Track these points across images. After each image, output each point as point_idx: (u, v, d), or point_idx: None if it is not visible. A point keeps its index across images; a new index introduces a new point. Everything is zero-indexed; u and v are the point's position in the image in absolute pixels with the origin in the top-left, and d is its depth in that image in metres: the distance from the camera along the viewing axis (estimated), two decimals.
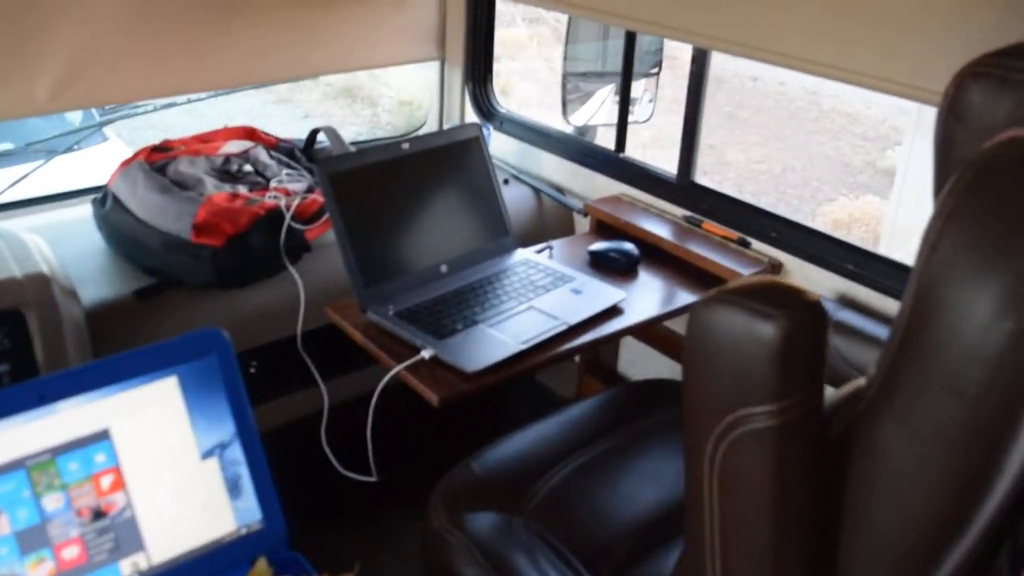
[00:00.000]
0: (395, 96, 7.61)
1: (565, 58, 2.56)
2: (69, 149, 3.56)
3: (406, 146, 1.81)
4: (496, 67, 2.61)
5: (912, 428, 0.85)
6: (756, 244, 1.92)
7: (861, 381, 0.93)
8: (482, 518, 1.49)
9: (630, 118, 2.41)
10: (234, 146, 2.10)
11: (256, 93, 7.32)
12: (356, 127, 7.57)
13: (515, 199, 2.27)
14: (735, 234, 1.94)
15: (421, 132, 2.73)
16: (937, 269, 0.80)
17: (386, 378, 1.56)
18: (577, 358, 2.29)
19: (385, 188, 1.77)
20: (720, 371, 0.89)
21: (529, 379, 2.44)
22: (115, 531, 1.00)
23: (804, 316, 0.85)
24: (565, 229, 2.30)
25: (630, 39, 2.21)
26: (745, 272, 1.84)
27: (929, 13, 1.51)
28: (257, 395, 1.90)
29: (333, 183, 1.69)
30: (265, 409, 1.93)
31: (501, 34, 8.34)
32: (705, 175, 7.49)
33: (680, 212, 2.06)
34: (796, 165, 7.62)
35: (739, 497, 0.92)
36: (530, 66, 8.63)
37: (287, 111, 7.61)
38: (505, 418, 2.40)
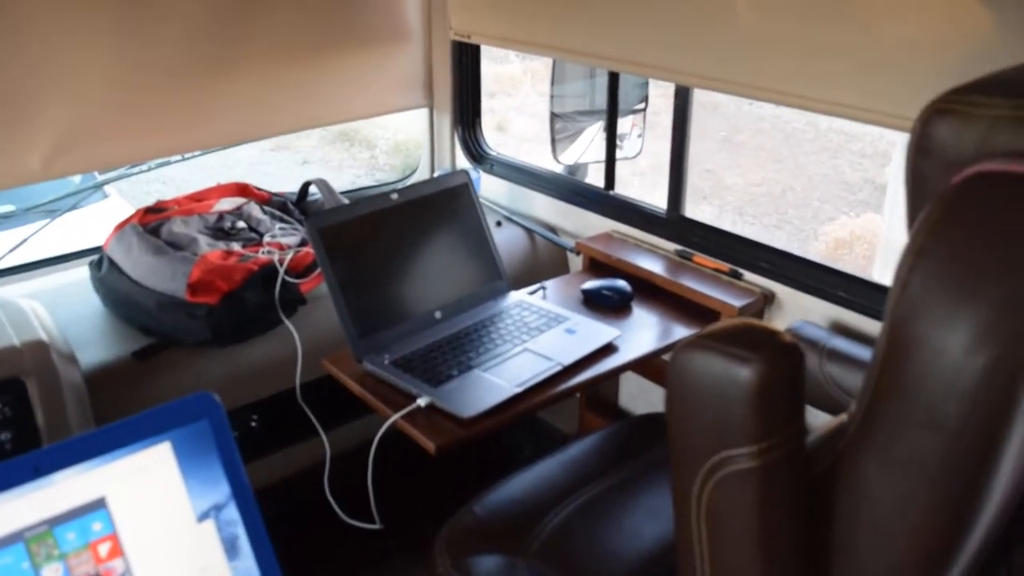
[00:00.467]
0: (392, 138, 7.67)
1: (552, 97, 2.59)
2: (70, 208, 3.60)
3: (395, 196, 1.83)
4: (492, 104, 2.65)
5: (893, 463, 0.86)
6: (748, 275, 1.93)
7: (845, 416, 0.94)
8: (486, 562, 1.49)
9: (620, 154, 2.44)
10: (227, 203, 2.12)
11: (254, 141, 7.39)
12: (355, 170, 7.62)
13: (508, 240, 2.30)
14: (726, 266, 1.96)
15: (414, 177, 2.75)
16: (909, 306, 0.81)
17: (383, 428, 1.57)
18: (578, 394, 2.30)
19: (376, 239, 1.79)
20: (701, 415, 0.90)
21: (531, 417, 2.45)
22: None
23: (780, 358, 0.87)
24: (559, 268, 2.32)
25: (613, 78, 2.24)
26: (738, 304, 1.85)
27: (906, 45, 1.54)
28: (260, 448, 1.93)
29: (323, 237, 1.71)
30: (268, 461, 1.94)
31: (495, 70, 8.42)
32: (705, 199, 7.44)
33: (671, 246, 2.08)
34: (796, 186, 7.63)
35: (726, 537, 0.93)
36: (526, 101, 8.69)
37: (286, 157, 7.66)
38: (507, 457, 2.40)
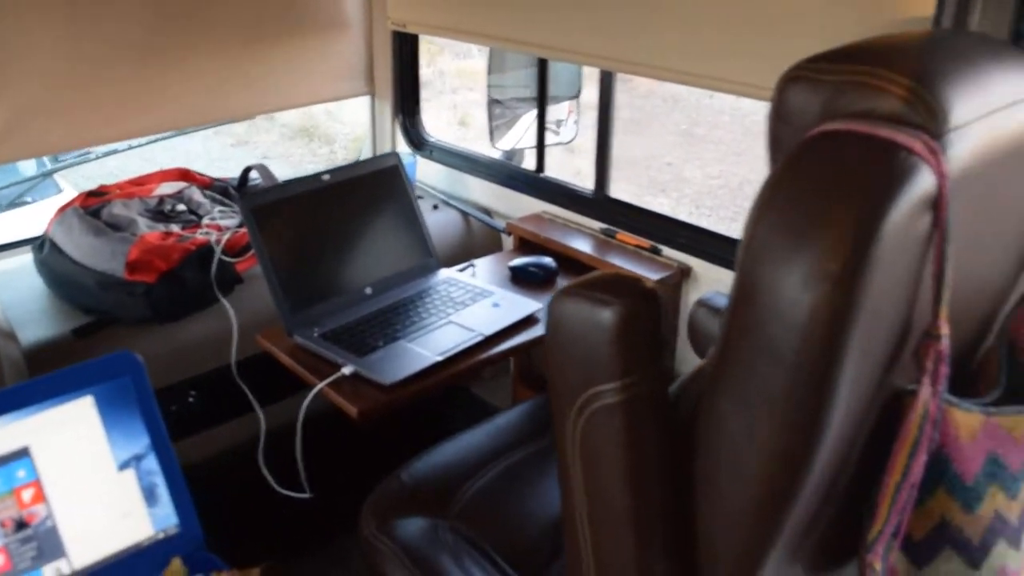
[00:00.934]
0: (351, 133, 7.74)
1: (489, 86, 2.66)
2: (23, 203, 3.65)
3: (327, 177, 1.91)
4: (455, 99, 2.71)
5: (743, 397, 0.94)
6: (667, 251, 2.02)
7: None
8: (410, 524, 1.56)
9: (556, 139, 2.53)
10: (168, 187, 2.19)
11: (214, 136, 7.43)
12: (314, 164, 7.67)
13: (444, 222, 2.38)
14: (647, 243, 2.05)
15: None
16: (754, 253, 0.90)
17: (310, 395, 1.65)
18: (511, 370, 2.39)
19: (307, 218, 1.87)
20: (572, 355, 0.99)
21: (466, 393, 2.53)
22: (38, 540, 1.09)
23: (639, 302, 0.96)
24: (493, 248, 2.40)
25: (542, 65, 2.32)
26: (655, 277, 1.94)
27: (803, 26, 1.63)
28: (197, 423, 1.99)
29: (256, 216, 1.78)
30: (206, 435, 2.01)
31: (458, 65, 8.49)
32: (663, 192, 7.49)
33: (597, 225, 2.17)
34: (753, 178, 7.73)
35: (599, 470, 1.02)
36: None
37: (246, 153, 7.70)
38: (443, 433, 2.49)
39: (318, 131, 7.84)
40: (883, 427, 1.03)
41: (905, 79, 0.92)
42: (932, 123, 0.90)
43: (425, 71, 8.67)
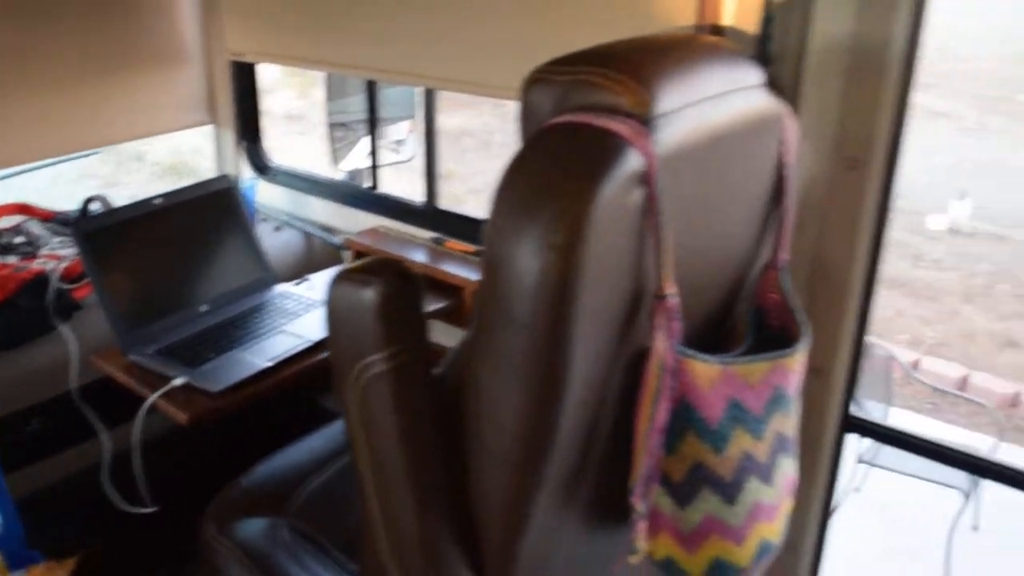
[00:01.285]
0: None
1: (329, 112, 2.77)
2: None
3: (159, 201, 1.99)
4: None
5: (494, 360, 1.07)
6: None
7: None
8: (248, 525, 1.64)
9: (396, 157, 2.65)
10: (5, 222, 2.23)
11: (79, 180, 7.32)
12: None
13: (286, 242, 2.47)
14: (473, 247, 2.18)
15: None
16: (493, 230, 1.03)
17: (143, 408, 1.72)
18: None
19: (142, 241, 1.95)
20: (345, 332, 1.12)
21: (316, 404, 2.61)
22: None
23: (397, 281, 1.09)
24: (334, 264, 2.49)
25: (370, 87, 2.45)
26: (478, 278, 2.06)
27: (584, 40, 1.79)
28: (41, 450, 2.02)
29: (88, 241, 1.85)
30: (51, 462, 2.04)
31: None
32: None
33: (428, 235, 2.29)
34: None
35: (377, 434, 1.14)
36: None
37: (115, 193, 7.61)
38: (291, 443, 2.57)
39: (187, 168, 7.80)
40: (634, 384, 1.17)
41: (620, 76, 1.07)
42: (641, 111, 1.05)
43: (299, 103, 8.68)
